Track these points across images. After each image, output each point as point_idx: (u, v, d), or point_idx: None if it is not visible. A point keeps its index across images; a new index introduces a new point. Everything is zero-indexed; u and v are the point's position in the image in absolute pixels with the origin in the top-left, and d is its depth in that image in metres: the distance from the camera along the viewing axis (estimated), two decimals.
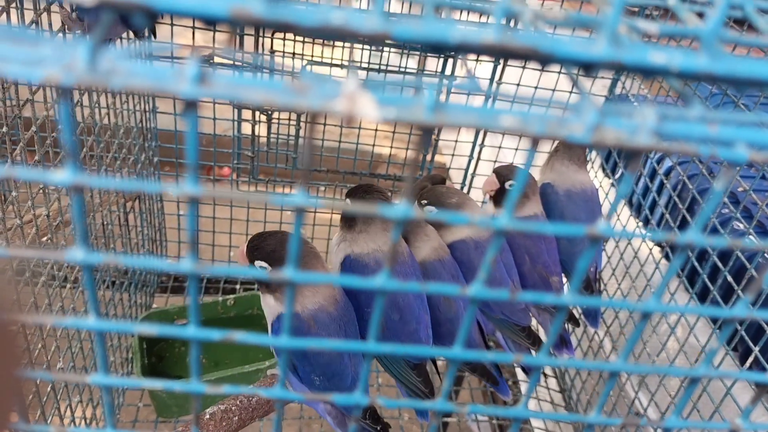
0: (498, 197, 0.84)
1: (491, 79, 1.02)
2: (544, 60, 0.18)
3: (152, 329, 0.22)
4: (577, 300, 0.22)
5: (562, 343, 0.85)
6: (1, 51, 0.16)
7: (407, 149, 1.15)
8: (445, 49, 0.18)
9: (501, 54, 0.17)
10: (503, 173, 0.84)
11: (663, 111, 0.18)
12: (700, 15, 0.24)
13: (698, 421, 0.24)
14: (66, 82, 0.16)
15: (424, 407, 0.24)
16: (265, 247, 0.61)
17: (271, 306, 0.63)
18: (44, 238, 0.64)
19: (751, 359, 0.67)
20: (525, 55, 0.17)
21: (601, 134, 0.18)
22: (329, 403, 0.66)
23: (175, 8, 0.16)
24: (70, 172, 0.18)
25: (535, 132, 0.17)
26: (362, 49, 1.09)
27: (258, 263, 0.62)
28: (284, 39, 1.02)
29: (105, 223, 0.83)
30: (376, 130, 1.15)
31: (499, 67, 1.01)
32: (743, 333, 0.70)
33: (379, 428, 0.65)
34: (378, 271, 0.70)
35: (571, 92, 1.05)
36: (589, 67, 0.18)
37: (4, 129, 0.52)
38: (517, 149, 1.10)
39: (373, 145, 1.19)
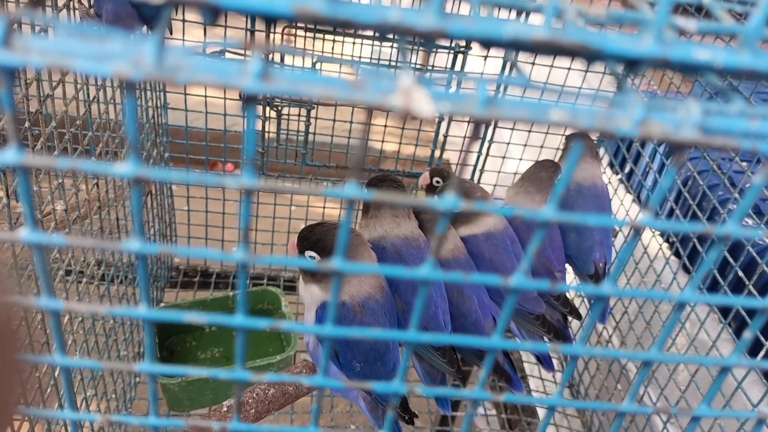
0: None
1: (501, 74, 1.02)
2: (593, 56, 0.18)
3: (202, 318, 0.22)
4: (615, 290, 0.22)
5: (565, 339, 0.86)
6: (70, 47, 0.17)
7: (416, 146, 1.16)
8: (492, 45, 0.19)
9: (551, 50, 0.18)
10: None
11: (706, 106, 0.19)
12: (735, 13, 0.24)
13: (728, 411, 0.25)
14: (135, 77, 0.16)
15: (463, 396, 0.25)
16: (312, 236, 0.64)
17: (314, 294, 0.65)
18: (62, 232, 0.64)
19: (762, 353, 0.68)
20: (574, 52, 0.18)
21: (648, 128, 0.18)
22: (365, 390, 0.68)
23: (241, 6, 0.17)
24: (133, 165, 0.18)
25: (584, 125, 0.18)
26: (372, 45, 1.09)
27: (308, 253, 0.64)
28: (294, 35, 1.02)
29: (118, 218, 0.84)
30: (385, 126, 1.15)
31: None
32: None
33: (407, 417, 0.67)
34: (393, 254, 0.72)
35: (580, 88, 1.06)
36: (634, 64, 0.19)
37: (27, 124, 0.53)
38: (525, 145, 1.10)
39: (382, 142, 1.20)
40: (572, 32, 0.18)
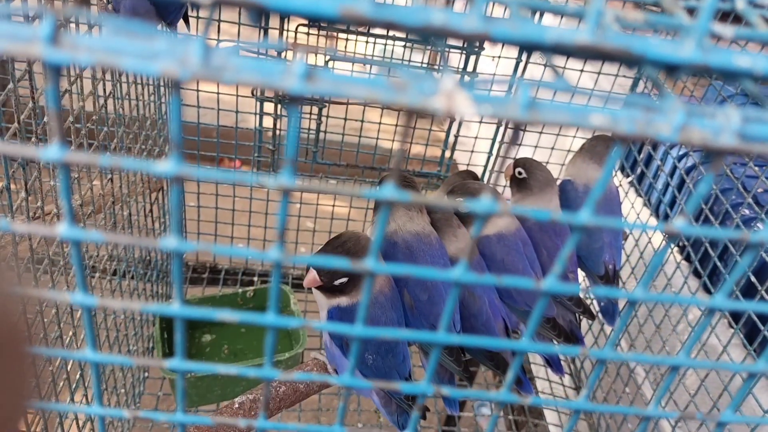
0: (512, 183, 0.91)
1: (513, 75, 1.02)
2: (635, 62, 0.18)
3: (234, 316, 0.22)
4: (647, 296, 0.22)
5: (577, 341, 0.86)
6: (118, 45, 0.17)
7: (426, 146, 1.16)
8: (534, 49, 0.19)
9: (594, 55, 0.18)
10: (517, 163, 0.90)
11: (745, 113, 0.19)
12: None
13: (754, 417, 0.24)
14: (183, 77, 0.17)
15: (489, 398, 0.25)
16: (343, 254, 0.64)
17: (328, 295, 0.65)
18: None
19: None
20: (616, 57, 0.18)
21: (688, 134, 0.18)
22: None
23: (287, 7, 0.17)
24: (174, 164, 0.18)
25: (624, 131, 0.18)
26: (385, 45, 1.09)
27: (338, 281, 0.64)
28: (308, 33, 1.03)
29: (131, 213, 0.84)
30: (396, 125, 1.15)
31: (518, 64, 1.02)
32: (767, 333, 0.70)
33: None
34: (404, 249, 0.72)
35: (592, 90, 1.06)
36: (673, 69, 0.19)
37: (45, 119, 0.53)
38: (536, 146, 1.10)
39: (393, 141, 1.20)
40: (614, 37, 0.18)
